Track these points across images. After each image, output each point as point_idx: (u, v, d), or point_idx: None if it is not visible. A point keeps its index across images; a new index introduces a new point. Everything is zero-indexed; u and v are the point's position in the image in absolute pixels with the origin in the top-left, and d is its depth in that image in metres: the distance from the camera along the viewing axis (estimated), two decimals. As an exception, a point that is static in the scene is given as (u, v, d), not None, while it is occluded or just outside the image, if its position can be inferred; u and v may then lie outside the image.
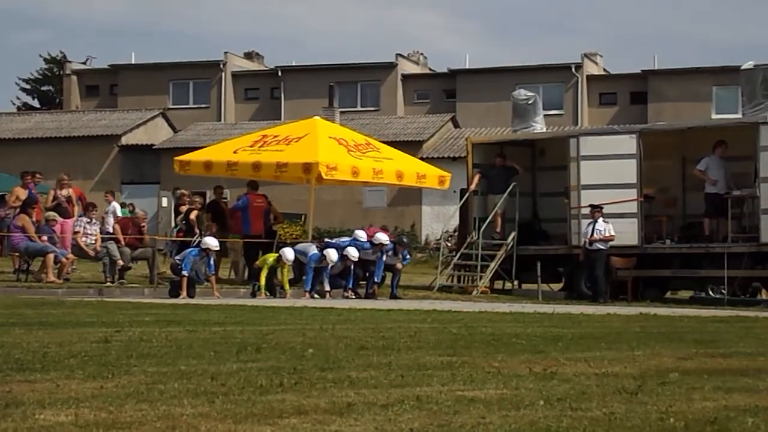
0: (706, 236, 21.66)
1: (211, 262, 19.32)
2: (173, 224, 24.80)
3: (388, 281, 21.34)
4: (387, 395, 6.33)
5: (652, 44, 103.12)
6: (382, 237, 20.70)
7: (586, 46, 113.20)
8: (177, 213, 23.94)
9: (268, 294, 19.57)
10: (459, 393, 6.51)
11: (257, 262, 20.26)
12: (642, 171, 21.86)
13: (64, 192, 22.54)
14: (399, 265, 21.34)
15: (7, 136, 48.31)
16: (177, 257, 19.75)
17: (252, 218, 22.35)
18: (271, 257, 19.91)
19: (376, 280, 20.79)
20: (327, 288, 20.01)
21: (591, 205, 21.67)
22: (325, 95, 48.60)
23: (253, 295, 19.67)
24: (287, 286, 19.83)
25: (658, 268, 21.99)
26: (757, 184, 20.71)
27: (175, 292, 18.71)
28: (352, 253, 20.12)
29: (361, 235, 20.93)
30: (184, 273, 18.60)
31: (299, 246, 20.55)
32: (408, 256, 22.53)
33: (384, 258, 20.84)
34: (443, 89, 54.40)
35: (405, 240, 23.02)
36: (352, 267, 20.34)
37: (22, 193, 22.41)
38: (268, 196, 23.64)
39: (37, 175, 23.87)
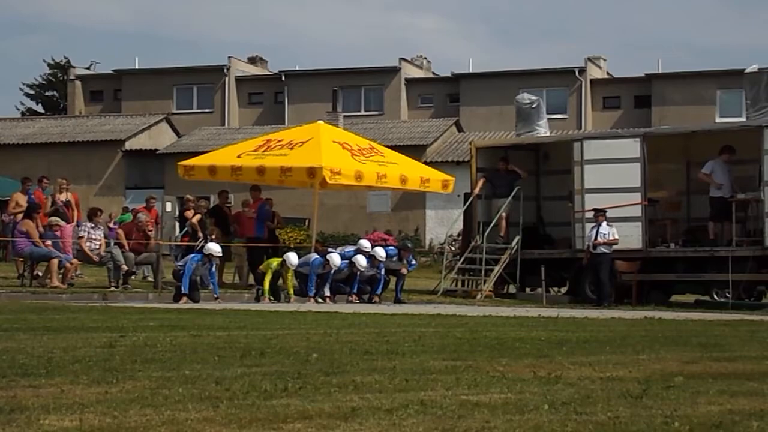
0: (711, 240, 21.64)
1: (213, 269, 19.37)
2: (178, 229, 24.81)
3: (392, 285, 21.35)
4: (391, 400, 6.33)
5: (656, 48, 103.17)
6: (380, 252, 20.64)
7: (590, 50, 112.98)
8: (182, 218, 23.95)
9: (272, 298, 19.57)
10: (463, 397, 6.50)
11: (261, 267, 20.28)
12: (646, 175, 21.86)
13: (63, 197, 22.54)
14: (404, 270, 21.33)
15: (11, 141, 48.37)
16: (179, 263, 19.77)
17: (264, 222, 22.63)
18: (275, 262, 19.93)
19: (377, 292, 20.80)
20: (327, 293, 20.00)
21: (594, 209, 21.66)
22: (329, 100, 48.69)
23: (257, 299, 19.67)
24: (291, 291, 19.83)
25: (663, 271, 21.96)
26: (761, 188, 20.70)
27: (178, 299, 18.74)
28: (361, 262, 20.13)
29: (366, 245, 20.92)
30: (184, 291, 18.65)
31: (301, 259, 20.41)
32: (414, 262, 22.53)
33: (383, 272, 20.85)
34: (447, 93, 54.44)
35: (409, 245, 23.02)
36: (358, 274, 20.36)
37: (22, 199, 22.44)
38: (273, 200, 23.73)
39: (45, 180, 23.87)
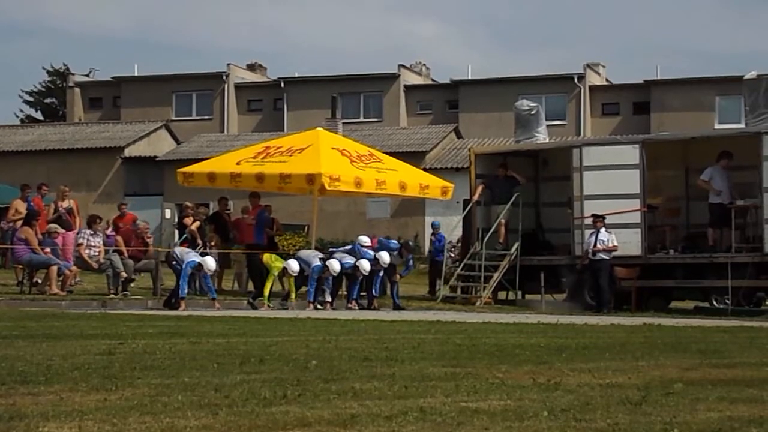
0: (710, 246, 21.65)
1: (209, 278, 19.44)
2: (177, 236, 24.79)
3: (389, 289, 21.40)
4: (391, 406, 6.32)
5: (655, 54, 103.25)
6: (385, 258, 20.62)
7: (589, 56, 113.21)
8: (182, 225, 23.93)
9: (271, 305, 19.57)
10: (463, 404, 6.50)
11: (264, 259, 20.04)
12: (645, 181, 21.87)
13: (65, 204, 22.54)
14: (396, 277, 21.33)
15: (10, 148, 48.34)
16: (176, 250, 19.76)
17: (263, 229, 22.59)
18: (278, 262, 19.85)
19: (375, 294, 20.78)
20: (328, 299, 20.01)
21: (593, 215, 21.67)
22: (328, 106, 48.65)
23: (253, 306, 19.60)
24: (293, 296, 19.84)
25: (662, 278, 21.97)
26: (760, 194, 20.71)
27: (174, 305, 18.71)
28: (365, 266, 20.12)
29: (365, 240, 20.91)
30: (182, 295, 18.68)
31: (303, 253, 20.52)
32: (411, 263, 22.57)
33: (382, 273, 20.85)
34: (446, 100, 54.45)
35: (411, 244, 23.07)
36: (360, 278, 20.36)
37: (21, 206, 22.41)
38: (272, 207, 23.73)
39: (44, 187, 23.86)
